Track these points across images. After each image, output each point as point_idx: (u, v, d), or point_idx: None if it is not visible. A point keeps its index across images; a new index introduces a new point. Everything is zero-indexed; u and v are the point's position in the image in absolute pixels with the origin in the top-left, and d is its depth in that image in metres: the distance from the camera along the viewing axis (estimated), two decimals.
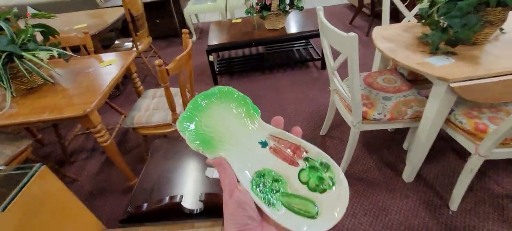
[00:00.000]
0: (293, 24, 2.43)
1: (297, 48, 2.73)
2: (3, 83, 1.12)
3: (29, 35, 1.18)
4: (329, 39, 1.15)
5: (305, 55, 2.59)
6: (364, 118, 1.19)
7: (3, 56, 1.09)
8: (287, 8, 2.19)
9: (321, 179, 0.27)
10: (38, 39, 1.28)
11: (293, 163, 0.29)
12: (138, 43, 2.37)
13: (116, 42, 2.73)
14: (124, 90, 2.61)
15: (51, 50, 1.19)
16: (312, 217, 0.25)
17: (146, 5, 3.14)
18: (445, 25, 1.04)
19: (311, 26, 2.30)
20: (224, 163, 0.28)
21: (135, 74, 1.65)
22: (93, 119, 1.18)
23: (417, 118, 1.16)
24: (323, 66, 2.47)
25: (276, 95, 2.21)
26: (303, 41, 2.77)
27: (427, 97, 1.29)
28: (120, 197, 1.51)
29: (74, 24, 2.27)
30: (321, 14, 1.21)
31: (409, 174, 1.30)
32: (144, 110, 1.48)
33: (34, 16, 1.27)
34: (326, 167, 0.28)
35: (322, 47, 1.29)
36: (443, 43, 1.05)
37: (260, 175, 0.28)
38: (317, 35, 2.21)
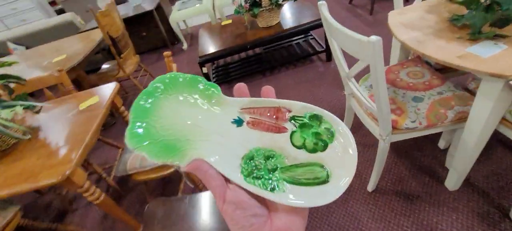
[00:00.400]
0: (289, 18, 2.19)
1: (297, 42, 2.49)
2: None
3: None
4: (340, 42, 0.94)
5: (307, 49, 2.35)
6: (394, 127, 0.98)
7: None
8: (280, 0, 1.96)
9: (317, 135, 0.24)
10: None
11: (280, 129, 0.25)
12: (124, 66, 2.19)
13: (103, 67, 2.53)
14: (119, 117, 2.44)
15: (14, 107, 1.01)
16: (324, 182, 0.22)
17: (129, 20, 2.95)
18: (488, 2, 0.81)
19: (309, 17, 2.05)
20: (202, 165, 0.22)
21: (122, 108, 1.46)
22: (77, 180, 1.01)
23: (461, 119, 0.95)
24: (328, 58, 2.23)
25: (280, 98, 2.01)
26: (303, 34, 2.53)
27: (466, 89, 1.07)
28: None
29: (54, 57, 2.08)
30: (324, 10, 1.00)
31: (454, 182, 1.09)
32: None
33: None
34: (318, 119, 0.24)
35: (331, 49, 1.07)
36: (488, 24, 0.83)
37: (249, 158, 0.23)
38: (318, 26, 1.97)
